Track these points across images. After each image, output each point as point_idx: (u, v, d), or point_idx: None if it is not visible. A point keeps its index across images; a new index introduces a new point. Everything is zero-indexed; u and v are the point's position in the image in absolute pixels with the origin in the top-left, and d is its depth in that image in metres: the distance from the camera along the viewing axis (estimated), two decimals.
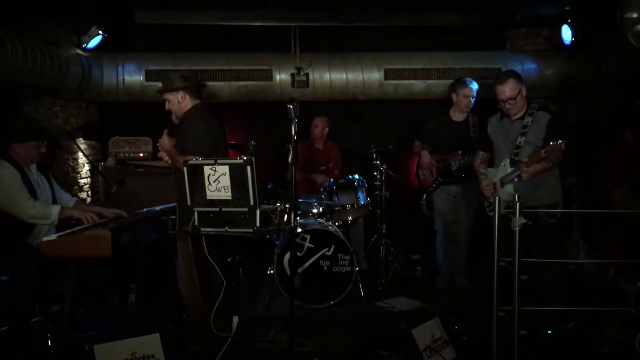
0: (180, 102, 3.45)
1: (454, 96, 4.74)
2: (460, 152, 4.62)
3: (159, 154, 3.55)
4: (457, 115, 4.76)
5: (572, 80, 5.37)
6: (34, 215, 3.34)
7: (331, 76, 5.26)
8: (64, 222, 3.48)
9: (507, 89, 3.60)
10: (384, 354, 3.24)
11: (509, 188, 3.62)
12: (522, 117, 3.65)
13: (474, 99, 4.67)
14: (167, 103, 3.49)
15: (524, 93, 3.64)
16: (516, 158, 3.60)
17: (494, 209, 3.03)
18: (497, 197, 3.08)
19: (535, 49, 5.68)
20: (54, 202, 3.67)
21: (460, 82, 4.72)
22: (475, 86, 4.67)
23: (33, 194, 3.44)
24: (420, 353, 3.07)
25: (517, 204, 2.92)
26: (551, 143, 3.28)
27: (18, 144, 3.46)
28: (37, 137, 3.51)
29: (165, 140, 3.38)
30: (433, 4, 5.18)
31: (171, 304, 4.01)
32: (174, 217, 3.82)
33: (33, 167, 3.58)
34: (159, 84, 5.11)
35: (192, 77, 3.66)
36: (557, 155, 3.32)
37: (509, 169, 3.63)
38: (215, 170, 2.85)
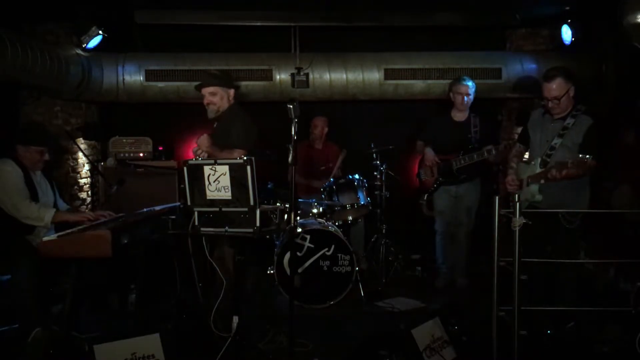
0: (229, 99, 3.56)
1: (451, 95, 4.75)
2: (461, 152, 4.62)
3: (195, 150, 3.58)
4: (458, 115, 4.76)
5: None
6: (28, 215, 3.35)
7: (331, 76, 5.26)
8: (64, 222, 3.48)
9: (554, 87, 3.42)
10: (384, 354, 3.24)
11: (534, 188, 3.51)
12: (564, 118, 3.49)
13: (471, 97, 4.66)
14: (210, 97, 3.54)
15: (572, 94, 3.46)
16: (548, 159, 3.47)
17: (493, 209, 3.02)
18: (496, 197, 3.07)
19: (535, 49, 5.68)
20: (56, 206, 3.68)
21: (455, 81, 4.74)
22: (470, 83, 4.66)
23: (34, 196, 3.45)
24: (420, 353, 3.07)
25: (517, 204, 2.91)
26: (580, 156, 3.16)
27: (21, 147, 3.47)
28: (41, 142, 3.52)
29: (205, 139, 3.47)
30: (433, 4, 5.19)
31: (171, 304, 4.01)
32: (174, 217, 3.83)
33: (38, 171, 3.59)
34: (159, 84, 5.19)
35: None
36: (582, 168, 3.20)
37: (538, 169, 3.50)
38: (215, 170, 2.86)
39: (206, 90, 3.56)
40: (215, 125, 3.67)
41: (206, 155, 3.48)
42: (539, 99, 5.45)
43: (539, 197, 3.52)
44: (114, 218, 3.55)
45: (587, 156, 3.14)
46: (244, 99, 5.37)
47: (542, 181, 3.41)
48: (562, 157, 3.36)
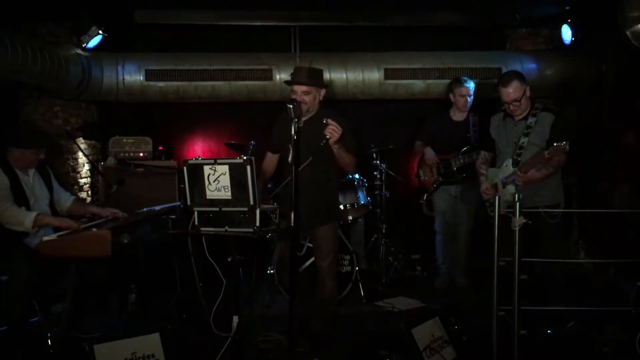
0: (320, 98, 3.39)
1: (451, 96, 4.74)
2: (461, 151, 4.62)
3: (328, 131, 3.16)
4: (457, 115, 4.76)
5: (572, 80, 5.37)
6: (7, 220, 3.31)
7: (331, 76, 5.26)
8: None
9: (512, 91, 3.56)
10: (384, 354, 3.25)
11: (511, 188, 3.61)
12: (526, 118, 3.62)
13: (471, 98, 4.67)
14: (303, 95, 3.28)
15: (528, 94, 3.60)
16: (519, 158, 3.58)
17: (493, 209, 3.03)
18: (497, 197, 3.08)
19: (535, 49, 5.68)
20: (52, 204, 3.68)
21: (456, 82, 4.72)
22: (471, 85, 4.67)
23: (21, 199, 3.42)
24: (420, 353, 3.07)
25: (517, 204, 2.92)
26: (555, 144, 3.26)
27: (16, 149, 3.46)
28: (36, 145, 3.49)
29: (336, 131, 3.18)
30: (433, 3, 5.19)
31: (171, 304, 4.01)
32: (174, 217, 3.82)
33: (32, 169, 3.57)
34: (159, 84, 5.18)
35: None
36: (560, 156, 3.32)
37: (512, 169, 3.62)
38: (215, 170, 2.85)
39: (299, 89, 3.32)
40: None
41: (336, 136, 3.17)
42: (546, 97, 5.50)
43: (520, 195, 3.55)
44: (115, 218, 3.55)
45: (563, 142, 3.24)
46: (246, 99, 5.40)
47: (520, 183, 3.52)
48: (532, 155, 3.52)
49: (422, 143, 4.88)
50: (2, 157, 3.48)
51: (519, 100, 3.56)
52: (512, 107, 3.61)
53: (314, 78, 3.36)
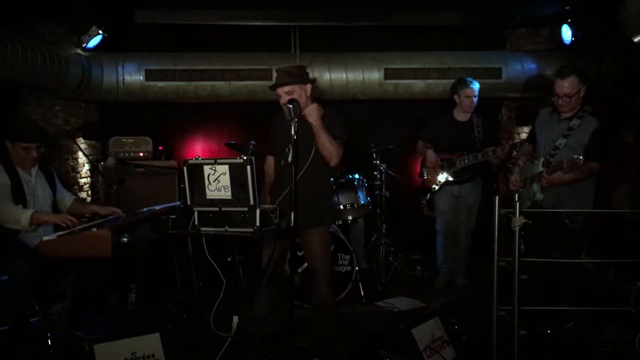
0: (306, 95, 3.29)
1: (456, 97, 4.73)
2: (465, 152, 4.62)
3: (308, 112, 3.18)
4: (460, 115, 4.76)
5: None
6: (3, 218, 3.31)
7: (331, 76, 5.26)
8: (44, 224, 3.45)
9: (566, 85, 3.43)
10: (384, 354, 3.25)
11: (535, 187, 3.52)
12: (571, 118, 3.51)
13: (476, 99, 4.66)
14: (287, 96, 3.22)
15: (582, 94, 3.48)
16: (551, 159, 3.48)
17: (493, 209, 3.02)
18: (496, 197, 3.07)
19: (535, 49, 5.68)
20: (55, 203, 3.68)
21: (461, 83, 4.70)
22: (476, 86, 4.67)
23: (21, 199, 3.42)
24: (420, 353, 3.07)
25: (517, 204, 2.91)
26: (574, 156, 3.19)
27: (9, 143, 3.46)
28: (26, 138, 3.46)
29: (316, 109, 3.19)
30: (433, 3, 5.19)
31: (171, 304, 4.01)
32: (174, 217, 3.82)
33: (34, 168, 3.57)
34: (159, 84, 5.19)
35: None
36: (576, 169, 3.22)
37: (541, 169, 3.51)
38: (215, 170, 2.85)
39: (282, 90, 3.26)
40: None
41: (316, 123, 3.17)
42: (546, 97, 5.48)
43: (539, 196, 3.52)
44: (115, 218, 3.55)
45: (580, 157, 3.16)
46: (246, 99, 5.40)
47: (545, 183, 3.43)
48: (565, 158, 3.37)
49: (424, 143, 4.87)
50: (4, 155, 3.48)
51: (570, 97, 3.44)
52: (560, 102, 3.48)
53: (295, 75, 3.29)
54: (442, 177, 4.73)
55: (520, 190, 3.51)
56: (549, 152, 3.52)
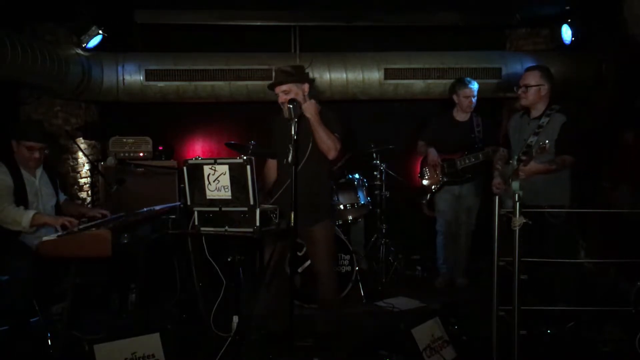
0: (304, 94, 3.30)
1: (455, 97, 4.73)
2: (466, 151, 4.62)
3: (305, 108, 3.22)
4: (460, 115, 4.76)
5: (572, 80, 5.37)
6: (4, 219, 3.32)
7: (331, 76, 5.26)
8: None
9: (528, 75, 3.64)
10: (384, 354, 3.24)
11: (515, 185, 3.57)
12: (540, 117, 3.64)
13: (475, 99, 4.67)
14: (284, 95, 3.26)
15: (544, 92, 3.63)
16: (523, 157, 3.54)
17: (493, 209, 3.03)
18: (496, 197, 3.08)
19: (535, 49, 5.68)
20: (58, 204, 3.69)
21: (460, 83, 4.71)
22: (475, 86, 4.67)
23: (23, 201, 3.42)
24: (420, 353, 3.07)
25: (517, 203, 2.92)
26: (540, 143, 3.28)
27: (14, 142, 3.48)
28: (31, 138, 3.47)
29: (313, 105, 3.23)
30: (433, 3, 5.18)
31: (171, 304, 4.01)
32: (174, 217, 3.82)
33: (39, 170, 3.58)
34: (159, 84, 5.18)
35: None
36: (545, 153, 3.31)
37: (515, 167, 3.57)
38: (215, 170, 2.85)
39: (279, 89, 3.30)
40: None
41: (314, 118, 3.21)
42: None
43: (520, 193, 3.55)
44: (115, 218, 3.55)
45: (547, 141, 3.25)
46: (246, 99, 5.40)
47: (522, 175, 3.49)
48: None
49: (424, 143, 4.87)
50: (9, 156, 3.48)
51: (527, 88, 3.61)
52: (519, 91, 3.67)
53: (292, 75, 3.31)
54: (442, 177, 4.74)
55: (504, 192, 3.55)
56: (522, 150, 3.61)
